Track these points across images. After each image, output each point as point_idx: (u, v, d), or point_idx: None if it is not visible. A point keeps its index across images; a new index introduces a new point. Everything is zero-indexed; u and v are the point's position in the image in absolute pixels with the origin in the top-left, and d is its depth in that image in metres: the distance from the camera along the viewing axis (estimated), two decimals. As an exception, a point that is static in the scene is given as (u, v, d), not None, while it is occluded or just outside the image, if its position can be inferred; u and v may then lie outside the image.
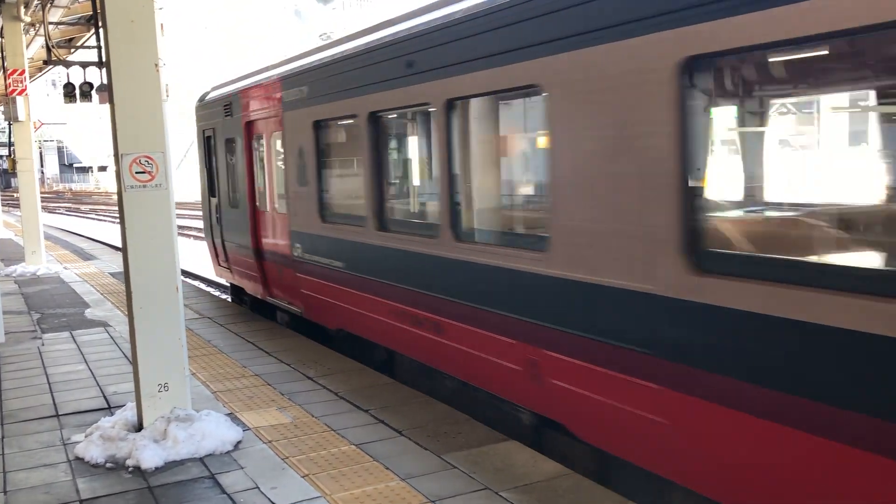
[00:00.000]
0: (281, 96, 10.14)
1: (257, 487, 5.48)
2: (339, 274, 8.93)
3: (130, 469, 5.87)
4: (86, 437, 6.40)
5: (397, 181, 8.72)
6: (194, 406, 6.66)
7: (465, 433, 6.36)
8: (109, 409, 7.34)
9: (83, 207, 59.87)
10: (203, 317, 11.90)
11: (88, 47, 18.52)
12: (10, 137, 21.24)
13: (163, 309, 6.39)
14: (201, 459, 6.02)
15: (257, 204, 11.54)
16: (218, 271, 14.68)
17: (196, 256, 26.14)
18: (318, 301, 9.69)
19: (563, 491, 5.25)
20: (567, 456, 6.01)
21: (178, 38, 75.69)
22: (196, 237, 34.18)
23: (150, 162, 6.25)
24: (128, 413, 6.65)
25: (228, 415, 6.92)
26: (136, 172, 6.23)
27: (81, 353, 9.66)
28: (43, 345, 10.16)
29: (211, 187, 13.65)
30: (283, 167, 10.48)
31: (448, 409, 6.99)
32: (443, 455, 5.90)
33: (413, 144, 8.56)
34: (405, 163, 8.70)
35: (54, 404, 7.56)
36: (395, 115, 8.24)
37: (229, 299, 14.75)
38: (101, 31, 7.02)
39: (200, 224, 44.35)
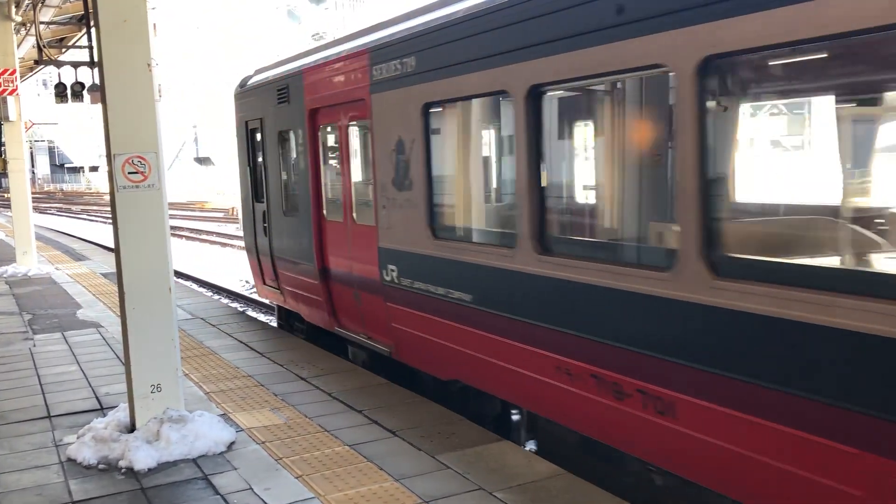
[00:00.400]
0: (368, 73, 7.77)
1: (251, 488, 5.47)
2: (463, 309, 6.59)
3: (123, 470, 5.85)
4: (78, 438, 6.37)
5: (581, 184, 6.28)
6: (187, 407, 6.64)
7: (459, 434, 6.36)
8: (102, 410, 7.31)
9: (74, 208, 59.72)
10: (196, 317, 11.86)
11: (80, 47, 18.43)
12: (0, 137, 21.15)
13: (155, 309, 6.37)
14: (194, 460, 6.00)
15: (324, 212, 9.28)
16: (262, 291, 12.30)
17: (189, 257, 26.09)
18: (422, 342, 7.37)
19: (557, 491, 5.25)
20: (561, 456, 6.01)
21: (171, 39, 75.54)
22: (189, 237, 34.13)
23: (142, 162, 6.23)
24: (120, 414, 6.63)
25: (221, 416, 6.90)
26: (129, 173, 6.20)
27: (73, 353, 9.61)
28: (34, 346, 10.11)
29: (256, 190, 11.32)
30: (368, 166, 8.28)
31: (442, 410, 6.98)
32: (437, 455, 5.89)
33: (616, 129, 5.98)
34: (596, 157, 6.17)
35: (46, 405, 7.52)
36: (578, 89, 5.90)
37: (274, 324, 12.46)
38: (92, 30, 7.00)
39: (193, 224, 43.92)
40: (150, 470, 5.83)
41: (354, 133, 8.62)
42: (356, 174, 8.69)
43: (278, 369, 8.59)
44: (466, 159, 7.23)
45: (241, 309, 15.57)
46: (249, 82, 11.51)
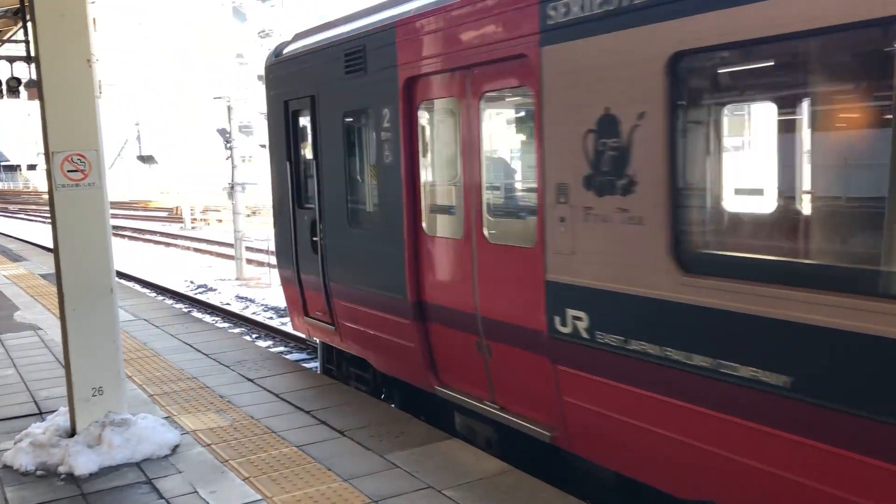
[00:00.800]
0: (537, 15, 5.23)
1: (196, 492, 5.39)
2: (760, 399, 4.09)
3: (63, 476, 5.71)
4: (15, 444, 6.19)
5: None
6: (130, 410, 6.51)
7: (407, 433, 6.36)
8: (40, 414, 7.12)
9: (11, 207, 58.16)
10: (139, 318, 11.63)
11: (16, 41, 17.92)
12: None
13: (97, 311, 6.23)
14: (138, 464, 5.89)
15: (424, 224, 6.76)
16: (301, 325, 9.45)
17: (132, 257, 25.57)
18: (640, 436, 4.84)
19: (506, 487, 5.29)
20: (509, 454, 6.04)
21: (112, 34, 73.86)
22: (132, 237, 33.40)
23: (82, 160, 6.09)
24: (60, 418, 6.46)
25: (166, 418, 6.78)
26: (68, 171, 6.06)
27: (10, 357, 9.33)
28: (-31, 350, 9.81)
29: (299, 192, 8.78)
30: (524, 158, 6.28)
31: (391, 410, 6.98)
32: (385, 455, 5.89)
33: None
34: None
35: (-19, 411, 7.31)
36: None
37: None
38: (29, 25, 6.81)
39: (136, 224, 42.91)
40: (91, 475, 5.70)
41: (497, 108, 6.26)
42: (493, 171, 6.27)
43: (224, 371, 8.47)
44: (775, 141, 5.03)
45: (185, 310, 15.32)
46: (288, 50, 8.82)
